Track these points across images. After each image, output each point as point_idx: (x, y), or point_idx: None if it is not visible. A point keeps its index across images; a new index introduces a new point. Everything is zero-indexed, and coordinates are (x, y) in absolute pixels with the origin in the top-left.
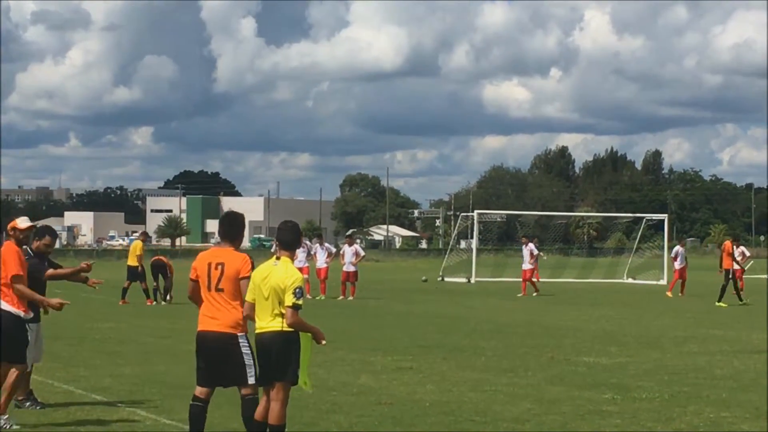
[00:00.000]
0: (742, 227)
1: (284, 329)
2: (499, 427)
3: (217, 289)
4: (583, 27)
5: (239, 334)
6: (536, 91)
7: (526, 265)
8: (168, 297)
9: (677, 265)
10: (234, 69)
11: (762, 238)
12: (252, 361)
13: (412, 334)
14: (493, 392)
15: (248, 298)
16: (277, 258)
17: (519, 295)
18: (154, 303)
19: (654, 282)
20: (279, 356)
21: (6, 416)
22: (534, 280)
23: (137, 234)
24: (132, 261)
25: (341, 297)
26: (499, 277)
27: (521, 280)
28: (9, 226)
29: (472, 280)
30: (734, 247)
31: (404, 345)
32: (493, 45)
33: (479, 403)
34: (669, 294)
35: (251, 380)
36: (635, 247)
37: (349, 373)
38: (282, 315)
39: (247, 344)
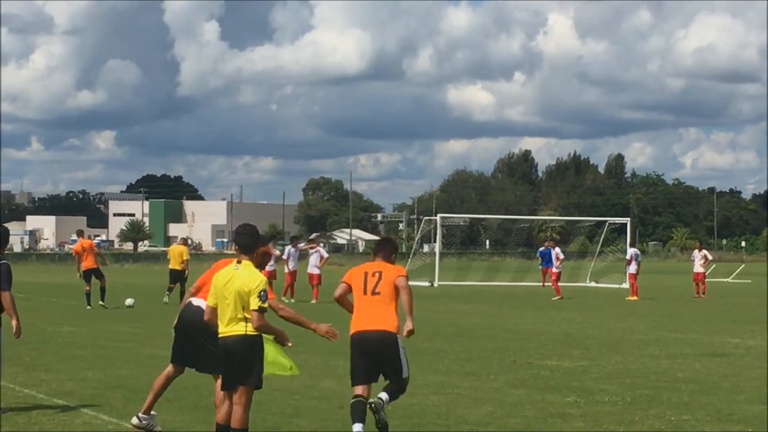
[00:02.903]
0: (705, 231)
1: (248, 333)
2: (461, 430)
3: (374, 293)
4: (546, 31)
5: (396, 333)
6: (500, 95)
7: (554, 269)
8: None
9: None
10: (197, 73)
11: (724, 241)
12: (406, 358)
13: None
14: (456, 395)
15: (210, 302)
16: (238, 262)
17: (554, 298)
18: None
19: (617, 285)
20: (243, 360)
21: None
22: (549, 284)
23: (179, 239)
24: (176, 265)
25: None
26: (462, 280)
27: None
28: None
29: (435, 284)
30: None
31: None
32: (457, 49)
33: (441, 406)
34: (635, 298)
35: (405, 375)
36: (598, 250)
37: (311, 377)
38: (245, 319)
39: (401, 342)
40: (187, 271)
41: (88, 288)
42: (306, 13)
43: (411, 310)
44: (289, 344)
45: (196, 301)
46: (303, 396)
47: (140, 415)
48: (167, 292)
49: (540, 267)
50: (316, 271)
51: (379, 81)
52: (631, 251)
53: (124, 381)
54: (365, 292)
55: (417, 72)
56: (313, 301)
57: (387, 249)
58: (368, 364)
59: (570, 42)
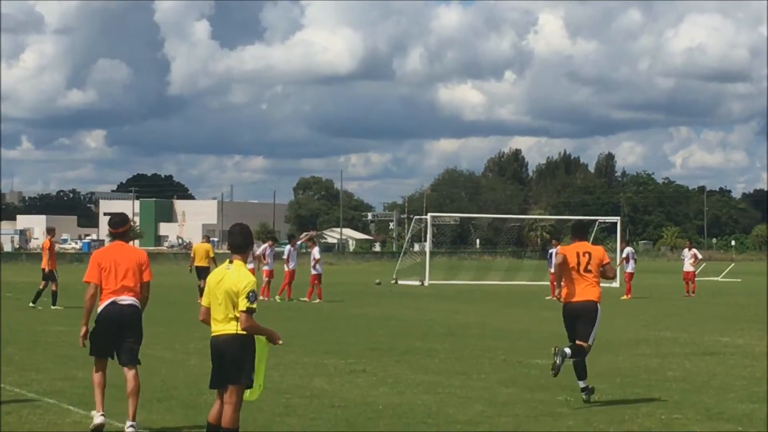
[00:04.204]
0: (695, 230)
1: (238, 333)
2: (452, 429)
3: (586, 271)
4: (537, 30)
5: (599, 303)
6: (490, 94)
7: (551, 268)
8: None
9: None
10: (188, 72)
11: (714, 240)
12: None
13: (366, 337)
14: (446, 395)
15: (204, 302)
16: (230, 262)
17: (547, 297)
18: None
19: (607, 284)
20: (233, 360)
21: None
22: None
23: (203, 237)
24: (202, 261)
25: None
26: (452, 279)
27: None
28: None
29: (426, 283)
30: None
31: (358, 348)
32: (448, 48)
33: (432, 406)
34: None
35: (589, 341)
36: None
37: (302, 376)
38: (236, 318)
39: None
40: (212, 267)
41: (41, 286)
42: (296, 12)
43: (613, 277)
44: (280, 342)
45: (121, 300)
46: (294, 395)
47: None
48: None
49: (549, 269)
50: (314, 272)
51: (369, 80)
52: (627, 250)
53: (114, 380)
54: (578, 270)
55: (407, 71)
56: (317, 301)
57: (582, 233)
58: (572, 327)
59: (560, 41)
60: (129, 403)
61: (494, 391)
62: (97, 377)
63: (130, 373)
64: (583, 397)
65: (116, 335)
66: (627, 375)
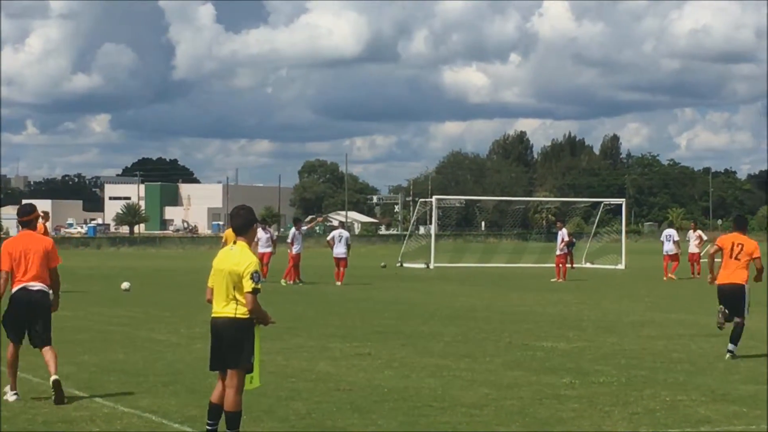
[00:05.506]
0: (700, 211)
1: (237, 316)
2: (457, 412)
3: (736, 258)
4: (542, 13)
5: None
6: (495, 77)
7: (558, 251)
8: None
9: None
10: (192, 56)
11: (719, 221)
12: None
13: (371, 320)
14: (452, 377)
15: (209, 283)
16: (234, 243)
17: (552, 280)
18: None
19: (612, 266)
20: (232, 343)
21: None
22: (567, 266)
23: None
24: None
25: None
26: (457, 262)
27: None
28: None
29: (431, 266)
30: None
31: (363, 331)
32: (453, 31)
33: (437, 389)
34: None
35: (744, 314)
36: (593, 231)
37: (307, 360)
38: (236, 300)
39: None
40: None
41: None
42: None
43: (762, 269)
44: (273, 321)
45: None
46: (299, 379)
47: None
48: None
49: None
50: (342, 255)
51: (374, 63)
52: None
53: (120, 365)
54: (731, 257)
55: (412, 54)
56: (338, 283)
57: (744, 225)
58: (726, 304)
59: (565, 23)
60: (50, 365)
61: (499, 373)
62: (10, 358)
63: (45, 351)
64: (728, 356)
65: (27, 319)
66: (632, 357)
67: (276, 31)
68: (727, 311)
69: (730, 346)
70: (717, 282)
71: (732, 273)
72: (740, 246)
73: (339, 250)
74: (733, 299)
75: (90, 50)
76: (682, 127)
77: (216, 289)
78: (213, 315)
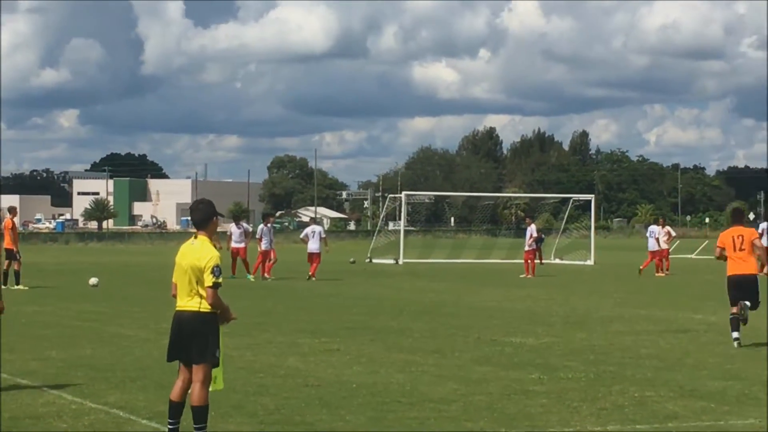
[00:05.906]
0: (669, 207)
1: (201, 310)
2: (425, 407)
3: (740, 249)
4: (511, 8)
5: (756, 274)
6: (465, 73)
7: (527, 246)
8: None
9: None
10: (161, 51)
11: (688, 218)
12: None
13: (340, 315)
14: (420, 373)
15: (173, 278)
16: (195, 237)
17: (521, 275)
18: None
19: (581, 262)
20: (195, 337)
21: None
22: (536, 262)
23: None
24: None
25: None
26: (427, 258)
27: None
28: None
29: (400, 262)
30: (660, 227)
31: (332, 327)
32: (422, 26)
33: (406, 384)
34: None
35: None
36: (562, 227)
37: (276, 355)
38: (199, 294)
39: (758, 281)
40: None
41: (6, 267)
42: None
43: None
44: (234, 317)
45: None
46: (267, 374)
47: None
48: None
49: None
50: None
51: (344, 59)
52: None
53: (88, 360)
54: (734, 249)
55: (382, 50)
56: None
57: (741, 217)
58: (738, 294)
59: (534, 19)
60: None
61: (468, 369)
62: None
63: None
64: (735, 344)
65: None
66: (600, 352)
67: (245, 27)
68: (748, 303)
69: (735, 335)
70: (728, 273)
71: (740, 264)
72: (740, 237)
73: (313, 245)
74: (746, 289)
75: (58, 45)
76: (652, 123)
77: (179, 284)
78: (177, 309)
